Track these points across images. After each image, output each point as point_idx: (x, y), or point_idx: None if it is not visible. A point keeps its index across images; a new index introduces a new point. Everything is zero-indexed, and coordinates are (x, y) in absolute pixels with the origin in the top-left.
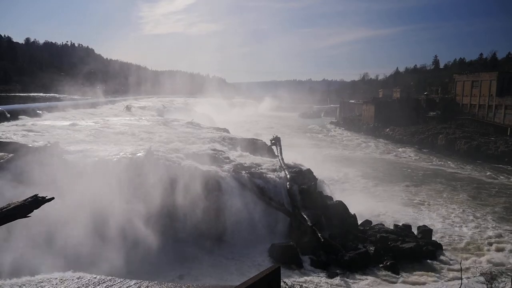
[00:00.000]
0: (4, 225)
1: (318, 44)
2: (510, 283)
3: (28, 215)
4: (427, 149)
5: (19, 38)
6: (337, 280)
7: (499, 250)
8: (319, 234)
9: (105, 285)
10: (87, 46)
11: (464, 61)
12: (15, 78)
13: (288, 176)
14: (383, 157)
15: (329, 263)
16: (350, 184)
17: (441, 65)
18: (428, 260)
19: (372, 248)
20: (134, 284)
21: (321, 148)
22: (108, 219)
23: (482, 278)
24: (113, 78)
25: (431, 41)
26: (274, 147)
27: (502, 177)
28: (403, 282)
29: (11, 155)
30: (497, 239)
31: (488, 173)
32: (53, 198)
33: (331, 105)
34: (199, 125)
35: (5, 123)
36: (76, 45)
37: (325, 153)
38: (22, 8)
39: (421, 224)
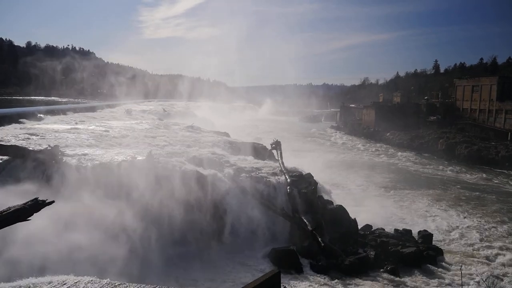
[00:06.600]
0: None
1: (319, 49)
2: None
3: (28, 218)
4: (428, 153)
5: (20, 42)
6: (337, 285)
7: (500, 255)
8: (319, 239)
9: None
10: (88, 50)
11: (465, 65)
12: (16, 81)
13: (289, 180)
14: (383, 162)
15: (329, 268)
16: (350, 188)
17: (442, 70)
18: (429, 265)
19: (372, 253)
20: None
21: (321, 152)
22: (109, 220)
23: (483, 284)
24: (113, 82)
25: (431, 46)
26: (274, 151)
27: (502, 182)
28: (404, 287)
29: (12, 158)
30: (498, 244)
31: (489, 178)
32: (53, 202)
33: (332, 110)
34: (199, 129)
35: (6, 126)
36: (77, 48)
37: (325, 158)
38: (23, 12)
39: (421, 228)
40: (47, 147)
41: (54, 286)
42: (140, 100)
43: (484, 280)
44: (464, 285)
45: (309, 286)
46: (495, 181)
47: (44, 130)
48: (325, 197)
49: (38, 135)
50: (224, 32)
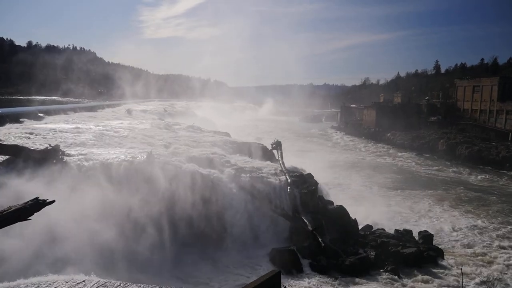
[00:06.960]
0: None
1: (320, 49)
2: None
3: (29, 218)
4: (428, 154)
5: (21, 41)
6: (337, 285)
7: (501, 256)
8: (319, 239)
9: None
10: (89, 50)
11: (465, 66)
12: (17, 81)
13: (289, 180)
14: (384, 162)
15: (329, 268)
16: (351, 189)
17: (442, 70)
18: (429, 266)
19: (372, 253)
20: None
21: (322, 152)
22: (109, 221)
23: (483, 285)
24: (114, 82)
25: (432, 46)
26: (275, 151)
27: (504, 183)
28: (404, 287)
29: (12, 157)
30: (499, 245)
31: (491, 179)
32: (53, 201)
33: (332, 110)
34: (200, 128)
35: (7, 126)
36: (78, 48)
37: (325, 158)
38: (23, 12)
39: (423, 229)
40: (47, 147)
41: (56, 286)
42: (140, 100)
43: (484, 281)
44: (464, 286)
45: (309, 286)
46: (497, 182)
47: (44, 129)
48: (326, 197)
49: (38, 135)
50: (224, 32)
